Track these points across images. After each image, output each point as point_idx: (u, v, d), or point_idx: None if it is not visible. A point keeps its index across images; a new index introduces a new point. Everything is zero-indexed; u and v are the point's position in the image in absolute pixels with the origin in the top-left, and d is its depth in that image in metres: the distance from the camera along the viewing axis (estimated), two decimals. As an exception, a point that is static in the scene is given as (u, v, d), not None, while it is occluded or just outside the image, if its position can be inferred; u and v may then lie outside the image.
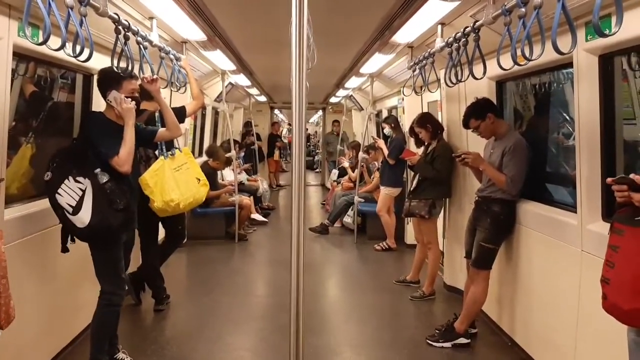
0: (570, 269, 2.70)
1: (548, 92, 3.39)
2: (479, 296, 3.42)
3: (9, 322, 2.05)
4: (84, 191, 2.63)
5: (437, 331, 3.58)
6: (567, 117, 3.21)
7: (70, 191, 2.61)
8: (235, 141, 7.36)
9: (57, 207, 2.64)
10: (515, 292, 3.43)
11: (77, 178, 2.63)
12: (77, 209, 2.60)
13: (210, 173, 5.85)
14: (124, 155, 2.73)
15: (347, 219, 7.27)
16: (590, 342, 2.57)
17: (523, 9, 2.11)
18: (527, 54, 2.14)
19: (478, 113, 3.36)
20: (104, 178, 2.67)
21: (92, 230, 2.63)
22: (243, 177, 8.49)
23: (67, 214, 2.62)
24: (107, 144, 2.72)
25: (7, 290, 2.03)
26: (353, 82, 7.32)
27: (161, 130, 3.21)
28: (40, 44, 1.99)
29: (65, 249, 2.77)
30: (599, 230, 2.49)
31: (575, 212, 2.69)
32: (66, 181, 2.62)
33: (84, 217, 2.61)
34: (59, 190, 2.61)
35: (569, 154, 3.15)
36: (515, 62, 2.27)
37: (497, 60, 2.43)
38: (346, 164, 8.21)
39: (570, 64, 2.70)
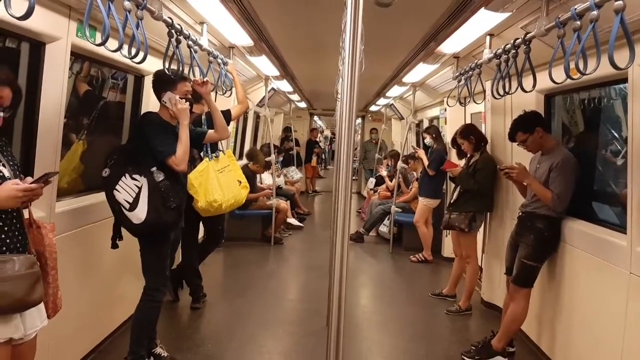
0: (617, 292, 2.59)
1: (597, 107, 3.28)
2: (519, 315, 3.32)
3: (56, 312, 2.12)
4: (140, 188, 2.72)
5: (473, 347, 3.50)
6: (616, 134, 3.11)
7: (127, 188, 2.71)
8: (274, 146, 7.44)
9: (114, 202, 2.74)
10: (556, 313, 3.32)
11: (134, 175, 2.73)
12: (133, 205, 2.70)
13: (249, 176, 5.92)
14: (181, 155, 2.81)
15: (383, 229, 7.22)
16: (637, 369, 2.47)
17: (578, 22, 2.06)
18: (580, 67, 2.09)
19: (526, 126, 3.27)
20: (159, 176, 2.75)
21: (147, 226, 2.73)
22: (281, 181, 8.57)
23: (124, 210, 2.71)
24: (165, 144, 2.80)
25: (56, 281, 2.10)
26: (395, 90, 7.28)
27: (210, 131, 3.31)
28: (100, 45, 2.07)
29: (115, 245, 2.88)
30: (649, 252, 2.40)
31: (625, 232, 2.59)
32: (123, 178, 2.72)
33: (140, 214, 2.70)
34: (117, 187, 2.71)
35: (618, 173, 3.04)
36: (569, 76, 2.21)
37: (549, 73, 2.37)
38: (384, 172, 8.17)
39: (623, 80, 2.62)
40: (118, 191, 2.71)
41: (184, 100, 2.88)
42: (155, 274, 2.95)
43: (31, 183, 1.87)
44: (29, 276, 1.83)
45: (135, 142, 2.92)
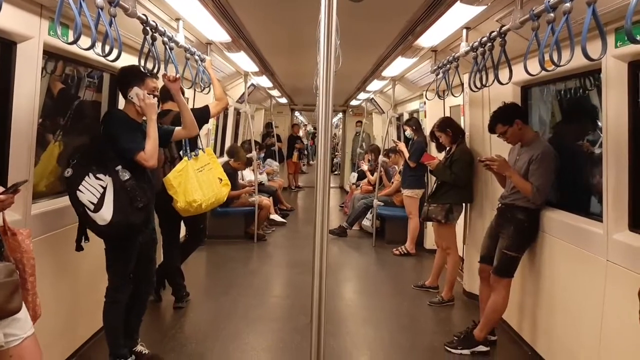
0: (595, 279, 2.65)
1: (574, 97, 3.33)
2: (500, 304, 3.37)
3: (36, 319, 2.08)
4: (104, 188, 2.61)
5: (455, 338, 3.55)
6: (593, 124, 3.16)
7: (91, 188, 2.60)
8: (255, 142, 7.40)
9: (78, 204, 2.62)
10: (537, 301, 3.38)
11: (98, 175, 2.62)
12: (98, 206, 2.59)
13: (230, 173, 5.89)
14: (150, 150, 2.73)
15: (366, 222, 7.25)
16: (614, 355, 2.52)
17: (552, 14, 2.09)
18: (554, 59, 2.12)
19: (505, 118, 3.30)
20: (125, 175, 2.64)
21: (113, 227, 2.62)
22: (263, 177, 8.54)
23: (89, 211, 2.60)
24: (132, 140, 2.72)
25: (34, 288, 2.07)
26: (375, 85, 7.31)
27: (177, 129, 3.20)
28: (71, 43, 2.02)
29: (79, 248, 2.79)
30: (625, 240, 2.45)
31: (601, 221, 2.64)
32: (87, 178, 2.60)
33: (105, 215, 2.59)
34: (80, 187, 2.59)
35: (595, 162, 3.09)
36: (543, 68, 2.24)
37: (524, 65, 2.40)
38: (365, 167, 8.21)
39: (598, 70, 2.66)
40: (81, 192, 2.59)
41: (151, 96, 2.81)
42: (116, 274, 2.88)
43: (1, 194, 1.84)
44: (8, 285, 1.78)
45: (100, 140, 2.79)
